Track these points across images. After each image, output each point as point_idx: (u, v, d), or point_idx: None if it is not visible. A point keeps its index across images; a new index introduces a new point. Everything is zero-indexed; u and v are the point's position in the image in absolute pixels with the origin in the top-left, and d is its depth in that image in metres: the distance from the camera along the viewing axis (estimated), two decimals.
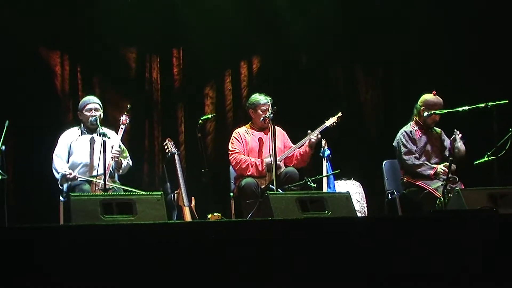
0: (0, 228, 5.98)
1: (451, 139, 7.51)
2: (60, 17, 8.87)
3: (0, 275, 4.12)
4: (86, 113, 7.44)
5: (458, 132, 7.44)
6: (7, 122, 6.62)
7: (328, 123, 7.59)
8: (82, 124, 7.53)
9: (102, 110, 7.51)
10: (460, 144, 7.43)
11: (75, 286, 4.16)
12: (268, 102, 7.70)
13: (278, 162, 7.29)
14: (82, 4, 8.95)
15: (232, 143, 7.81)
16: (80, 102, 7.62)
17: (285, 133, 7.94)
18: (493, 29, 9.03)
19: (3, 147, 6.54)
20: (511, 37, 8.90)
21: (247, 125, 7.96)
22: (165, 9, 9.13)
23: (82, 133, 7.51)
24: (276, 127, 7.37)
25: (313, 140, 7.52)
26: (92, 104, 7.47)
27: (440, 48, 9.29)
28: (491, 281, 4.58)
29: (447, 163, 7.17)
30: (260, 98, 7.81)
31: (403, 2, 9.15)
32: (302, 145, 7.66)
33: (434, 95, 7.63)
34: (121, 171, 7.48)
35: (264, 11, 9.40)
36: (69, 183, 7.22)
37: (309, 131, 7.57)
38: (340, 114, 7.64)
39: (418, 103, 7.70)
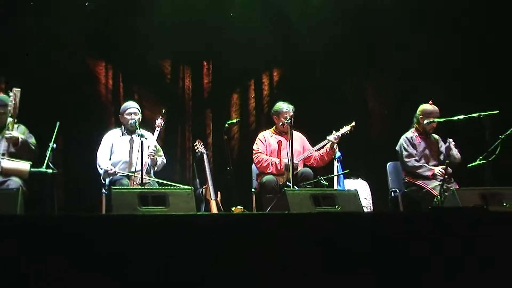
0: (50, 216, 6.01)
1: (445, 146, 7.53)
2: (105, 30, 8.97)
3: (47, 259, 4.15)
4: (126, 116, 7.50)
5: (451, 141, 7.46)
6: (57, 123, 6.65)
7: (343, 130, 7.58)
8: (123, 126, 7.58)
9: (140, 114, 7.56)
10: (455, 152, 7.45)
11: (112, 270, 4.19)
12: (290, 110, 7.69)
13: (295, 163, 7.31)
14: (124, 19, 9.02)
15: (256, 143, 7.82)
16: (122, 107, 7.68)
17: (304, 137, 7.93)
18: (490, 48, 8.98)
19: (54, 145, 6.56)
20: (502, 54, 8.86)
21: (271, 129, 7.94)
22: (197, 27, 9.16)
23: (123, 134, 7.56)
24: (296, 132, 7.39)
25: (333, 141, 7.51)
26: (131, 108, 7.52)
27: (438, 63, 9.26)
28: (484, 271, 4.57)
29: (444, 166, 7.23)
30: (283, 106, 7.80)
31: (405, 23, 9.11)
32: (319, 148, 7.67)
33: (430, 104, 7.66)
34: (156, 168, 7.50)
35: (283, 28, 9.42)
36: (110, 177, 7.26)
37: (327, 137, 7.58)
38: (353, 123, 7.62)
39: (417, 112, 7.72)
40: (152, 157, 7.37)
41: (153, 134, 7.47)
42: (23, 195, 5.52)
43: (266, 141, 7.80)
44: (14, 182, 6.61)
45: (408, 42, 9.14)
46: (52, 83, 8.44)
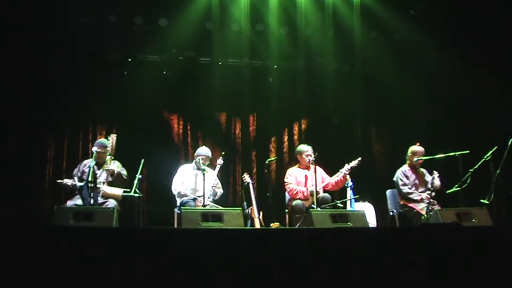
0: (136, 228, 6.08)
1: (431, 177, 7.45)
2: (178, 91, 9.11)
3: (132, 260, 4.22)
4: (199, 159, 7.48)
5: (436, 173, 7.41)
6: (142, 160, 6.73)
7: (352, 164, 7.53)
8: (194, 163, 7.60)
9: (210, 160, 7.61)
10: (438, 182, 7.38)
11: (182, 264, 4.25)
12: (310, 150, 7.71)
13: (317, 190, 7.27)
14: (191, 83, 9.18)
15: (287, 177, 7.79)
16: (198, 151, 7.69)
17: (322, 169, 7.88)
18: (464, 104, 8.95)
19: (140, 176, 6.64)
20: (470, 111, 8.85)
21: (296, 166, 7.91)
22: (245, 89, 9.20)
23: (194, 169, 7.59)
24: (316, 166, 7.37)
25: (346, 173, 7.47)
26: (204, 155, 7.55)
27: (426, 115, 9.24)
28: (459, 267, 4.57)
29: (429, 192, 7.18)
30: (303, 147, 7.83)
31: (401, 87, 9.11)
32: (335, 177, 7.63)
33: (418, 145, 7.69)
34: (216, 197, 7.49)
35: (309, 88, 9.39)
36: (182, 199, 7.31)
37: (340, 170, 7.54)
38: (360, 158, 7.58)
39: (408, 151, 7.74)
40: (214, 187, 7.43)
41: (214, 170, 7.53)
42: (117, 212, 5.62)
43: (293, 175, 7.78)
44: (111, 203, 6.73)
45: (403, 100, 9.16)
46: (138, 131, 8.60)
